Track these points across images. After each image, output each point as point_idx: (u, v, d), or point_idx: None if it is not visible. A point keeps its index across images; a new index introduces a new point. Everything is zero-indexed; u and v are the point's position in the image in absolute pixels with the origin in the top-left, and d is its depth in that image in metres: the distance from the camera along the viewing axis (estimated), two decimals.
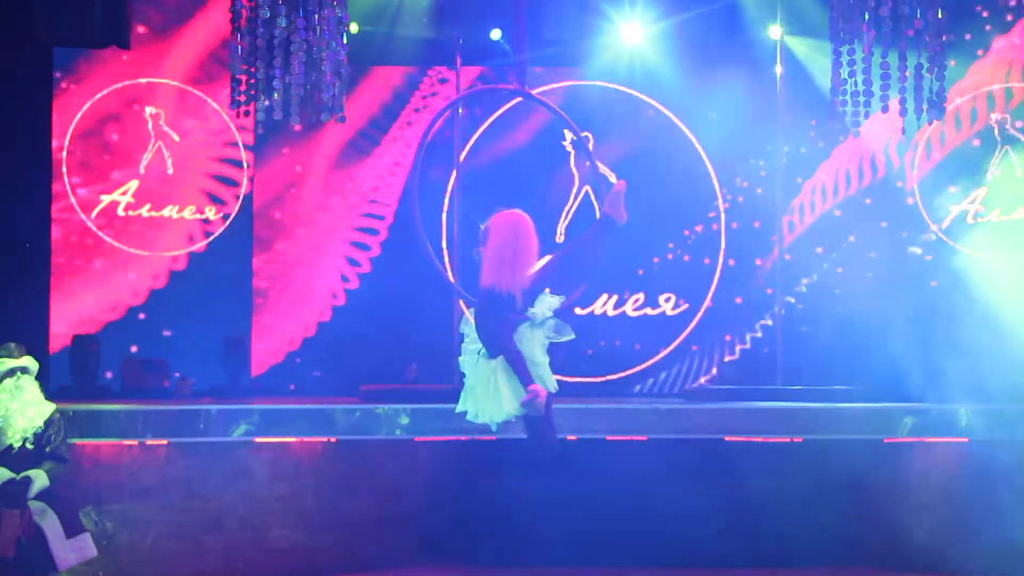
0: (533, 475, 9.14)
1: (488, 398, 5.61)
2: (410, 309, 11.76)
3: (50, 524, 7.23)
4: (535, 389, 5.49)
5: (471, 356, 5.73)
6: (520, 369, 5.53)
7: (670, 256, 12.40)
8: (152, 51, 11.80)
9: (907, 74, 7.46)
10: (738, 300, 12.36)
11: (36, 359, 7.62)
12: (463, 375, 5.81)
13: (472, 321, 5.72)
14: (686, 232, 12.41)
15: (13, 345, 7.52)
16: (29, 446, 7.35)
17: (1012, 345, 9.71)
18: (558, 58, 12.01)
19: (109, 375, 11.06)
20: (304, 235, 12.28)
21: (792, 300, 12.03)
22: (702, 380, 12.13)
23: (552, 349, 5.73)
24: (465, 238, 10.92)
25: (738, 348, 12.37)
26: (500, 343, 5.56)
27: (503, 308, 5.58)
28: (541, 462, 5.87)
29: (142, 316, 11.80)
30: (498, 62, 11.91)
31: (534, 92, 11.95)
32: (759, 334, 12.29)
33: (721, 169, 12.38)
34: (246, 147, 12.04)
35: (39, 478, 7.29)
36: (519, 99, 8.50)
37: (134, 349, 11.53)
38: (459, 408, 5.79)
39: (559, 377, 5.85)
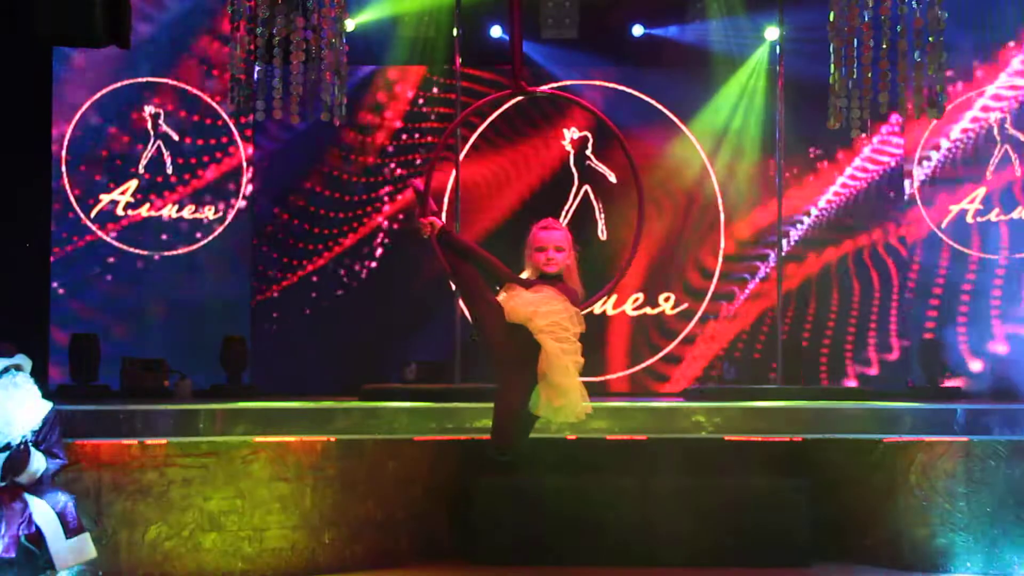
0: (533, 475, 9.13)
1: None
2: (410, 309, 11.76)
3: (50, 524, 7.22)
4: None
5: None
6: None
7: None
8: (152, 51, 11.78)
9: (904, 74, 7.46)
10: None
11: (36, 358, 7.60)
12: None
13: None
14: None
15: (7, 344, 7.51)
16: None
17: None
18: (560, 57, 12.01)
19: (108, 375, 11.02)
20: (304, 233, 12.28)
21: None
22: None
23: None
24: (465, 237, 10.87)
25: None
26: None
27: None
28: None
29: (142, 315, 11.79)
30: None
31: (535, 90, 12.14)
32: None
33: None
34: (245, 147, 12.03)
35: (37, 457, 7.28)
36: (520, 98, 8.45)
37: (134, 349, 11.50)
38: (545, 412, 5.41)
39: None
